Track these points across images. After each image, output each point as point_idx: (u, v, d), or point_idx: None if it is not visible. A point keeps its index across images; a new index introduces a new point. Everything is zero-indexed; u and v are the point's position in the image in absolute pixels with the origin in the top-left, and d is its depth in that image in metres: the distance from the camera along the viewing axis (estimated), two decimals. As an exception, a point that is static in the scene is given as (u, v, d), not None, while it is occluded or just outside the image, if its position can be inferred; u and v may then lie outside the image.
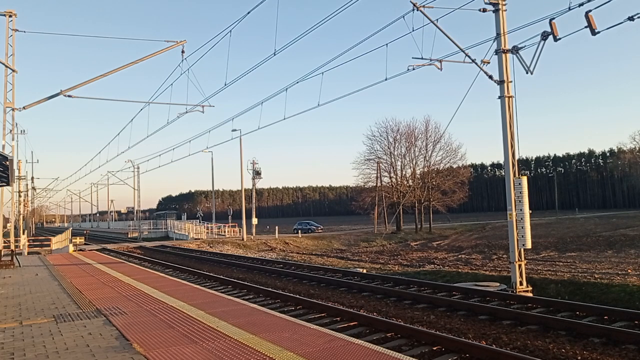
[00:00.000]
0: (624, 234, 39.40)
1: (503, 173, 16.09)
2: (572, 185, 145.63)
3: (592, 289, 16.23)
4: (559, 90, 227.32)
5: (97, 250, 35.17)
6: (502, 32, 14.91)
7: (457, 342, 8.32)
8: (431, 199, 60.07)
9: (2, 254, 21.58)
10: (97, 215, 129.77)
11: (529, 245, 14.61)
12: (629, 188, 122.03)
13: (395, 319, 10.79)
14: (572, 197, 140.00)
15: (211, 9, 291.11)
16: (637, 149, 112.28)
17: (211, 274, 19.57)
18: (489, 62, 15.16)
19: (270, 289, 14.97)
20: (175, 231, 56.71)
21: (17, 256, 22.36)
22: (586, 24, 12.04)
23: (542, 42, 13.49)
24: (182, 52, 20.93)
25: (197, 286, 13.16)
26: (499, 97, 15.10)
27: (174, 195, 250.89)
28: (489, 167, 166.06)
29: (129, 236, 62.42)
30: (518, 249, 14.72)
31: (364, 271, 22.23)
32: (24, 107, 21.25)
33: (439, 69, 15.94)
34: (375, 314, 11.61)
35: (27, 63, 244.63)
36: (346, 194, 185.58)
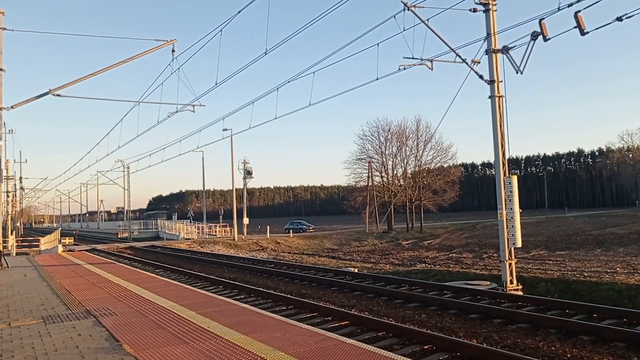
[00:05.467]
0: (612, 232, 39.75)
1: (493, 172, 16.16)
2: (561, 184, 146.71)
3: (582, 288, 16.37)
4: (548, 89, 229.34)
5: (86, 250, 34.89)
6: (492, 32, 14.97)
7: (448, 341, 8.35)
8: (422, 199, 60.27)
9: (-10, 254, 21.30)
10: (87, 215, 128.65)
11: (519, 244, 14.69)
12: (617, 187, 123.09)
13: (386, 318, 10.82)
14: (562, 196, 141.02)
15: (202, 8, 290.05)
16: (626, 148, 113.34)
17: (202, 274, 19.49)
18: (479, 62, 15.21)
19: (261, 289, 14.94)
20: (166, 231, 56.43)
21: (5, 257, 22.12)
22: (575, 24, 12.12)
23: (532, 42, 13.56)
24: (173, 51, 20.77)
25: (188, 286, 13.11)
26: (490, 97, 15.16)
27: (164, 195, 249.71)
28: (480, 167, 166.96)
29: (119, 236, 62.01)
30: (508, 247, 14.80)
31: (356, 270, 22.26)
32: (12, 107, 21.00)
33: (429, 68, 15.96)
34: (366, 313, 11.62)
35: (15, 62, 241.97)
36: (338, 194, 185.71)
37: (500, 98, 15.09)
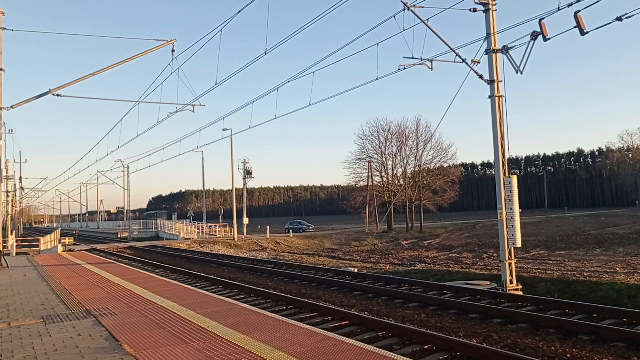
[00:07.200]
0: (612, 232, 39.76)
1: (493, 172, 16.17)
2: (561, 184, 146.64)
3: (582, 287, 16.37)
4: (548, 89, 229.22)
5: (86, 250, 34.89)
6: (492, 32, 14.97)
7: (448, 341, 8.35)
8: (422, 198, 60.27)
9: (-10, 254, 21.30)
10: (87, 215, 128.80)
11: (519, 244, 14.69)
12: (617, 187, 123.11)
13: (386, 318, 10.82)
14: (562, 196, 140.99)
15: (202, 8, 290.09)
16: (626, 148, 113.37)
17: (202, 274, 19.49)
18: (479, 62, 15.22)
19: (261, 289, 14.93)
20: (166, 231, 56.41)
21: (5, 257, 22.12)
22: (575, 24, 12.13)
23: (532, 42, 13.56)
24: (173, 51, 20.75)
25: (188, 286, 13.10)
26: (490, 97, 15.16)
27: (164, 195, 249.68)
28: (480, 167, 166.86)
29: (119, 236, 62.00)
30: (508, 247, 14.80)
31: (356, 270, 22.27)
32: (12, 107, 20.99)
33: (430, 68, 15.96)
34: (366, 313, 11.62)
35: (15, 62, 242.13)
36: (338, 194, 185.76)
37: (500, 98, 15.10)
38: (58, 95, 20.72)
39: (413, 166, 61.35)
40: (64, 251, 31.66)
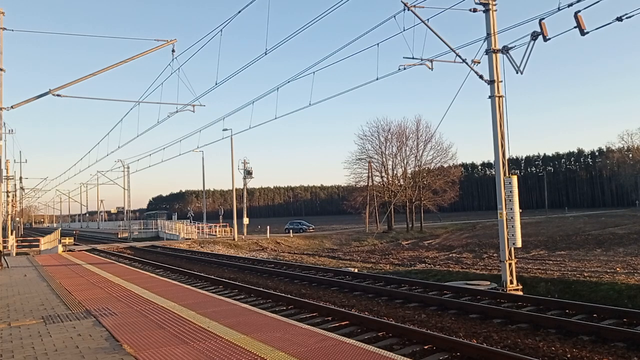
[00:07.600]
0: (612, 232, 39.75)
1: (493, 172, 16.17)
2: (561, 184, 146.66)
3: (582, 287, 16.37)
4: (548, 90, 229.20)
5: (86, 250, 34.89)
6: (492, 32, 14.97)
7: (448, 341, 8.35)
8: (422, 198, 60.27)
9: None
10: (87, 215, 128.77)
11: (519, 244, 14.69)
12: (617, 187, 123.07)
13: (386, 318, 10.82)
14: (562, 196, 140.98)
15: (202, 8, 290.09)
16: (626, 148, 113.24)
17: (202, 274, 19.49)
18: (479, 62, 15.22)
19: (261, 289, 14.93)
20: (166, 231, 56.41)
21: (5, 257, 22.12)
22: (575, 24, 12.13)
23: (532, 42, 13.57)
24: (173, 51, 20.76)
25: (188, 286, 13.11)
26: (490, 97, 15.16)
27: (164, 195, 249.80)
28: (480, 167, 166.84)
29: (119, 236, 62.00)
30: (508, 247, 14.80)
31: (356, 270, 22.27)
32: (12, 107, 21.00)
33: (429, 68, 15.97)
34: (366, 313, 11.62)
35: (15, 62, 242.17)
36: (337, 194, 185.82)
37: (500, 98, 15.10)
38: (58, 95, 20.72)
39: (413, 166, 61.42)
40: (64, 251, 31.66)
